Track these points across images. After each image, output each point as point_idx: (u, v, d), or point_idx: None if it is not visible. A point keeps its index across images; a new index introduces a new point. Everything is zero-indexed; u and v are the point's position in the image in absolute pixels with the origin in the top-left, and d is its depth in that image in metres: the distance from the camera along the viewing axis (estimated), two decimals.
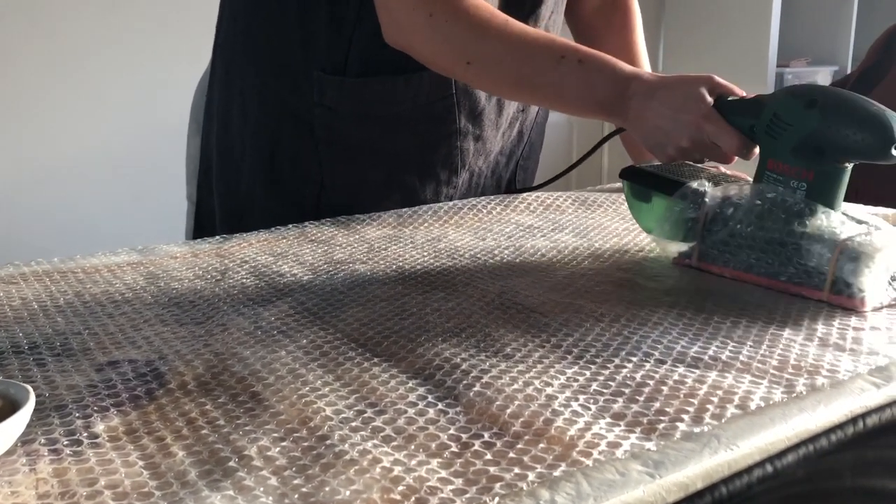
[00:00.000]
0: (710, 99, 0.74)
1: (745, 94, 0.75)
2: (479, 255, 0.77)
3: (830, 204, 0.65)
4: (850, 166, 0.65)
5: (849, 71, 2.99)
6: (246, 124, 0.98)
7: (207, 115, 1.04)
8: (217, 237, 0.86)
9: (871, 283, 0.59)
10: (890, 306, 0.61)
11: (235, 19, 0.99)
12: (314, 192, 0.96)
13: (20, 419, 0.40)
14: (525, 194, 1.03)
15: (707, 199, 0.69)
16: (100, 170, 2.34)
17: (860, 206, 0.93)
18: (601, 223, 0.90)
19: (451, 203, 0.99)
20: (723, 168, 0.84)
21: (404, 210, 0.95)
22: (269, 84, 0.95)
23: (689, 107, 0.74)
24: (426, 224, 0.90)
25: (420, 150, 0.97)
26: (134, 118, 2.35)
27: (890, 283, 0.61)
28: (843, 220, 0.63)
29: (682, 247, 0.71)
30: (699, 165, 0.80)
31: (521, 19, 0.85)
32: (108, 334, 0.58)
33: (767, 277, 0.65)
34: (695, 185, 0.70)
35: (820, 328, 0.57)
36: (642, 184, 0.78)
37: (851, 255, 0.60)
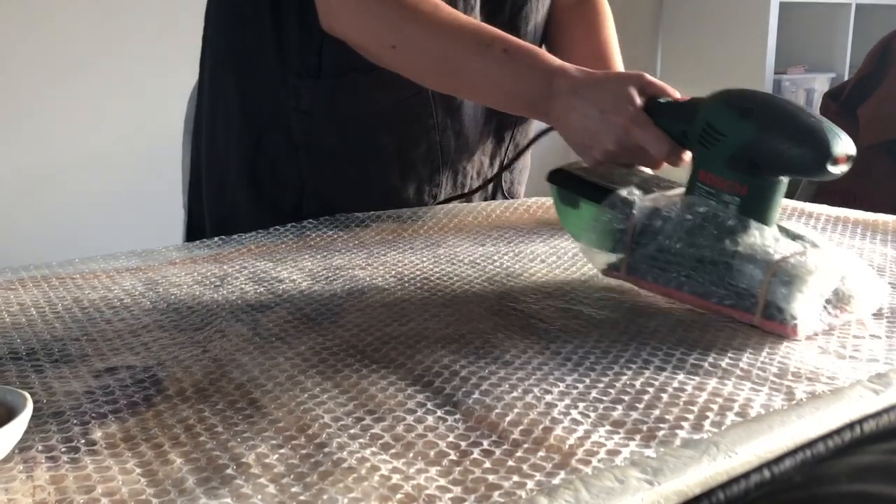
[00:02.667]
0: (639, 100, 0.70)
1: (678, 95, 0.71)
2: (478, 261, 0.77)
3: (765, 220, 0.60)
4: (786, 180, 0.61)
5: (846, 78, 2.99)
6: (229, 132, 0.99)
7: (196, 124, 1.05)
8: (216, 239, 0.86)
9: (804, 309, 0.55)
10: (825, 333, 0.56)
11: (217, 29, 1.00)
12: (294, 198, 0.97)
13: (17, 426, 0.40)
14: (525, 198, 1.03)
15: (635, 211, 0.64)
16: (98, 176, 2.34)
17: (860, 212, 0.93)
18: None
19: (449, 206, 0.99)
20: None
21: (403, 211, 0.95)
22: (248, 91, 0.96)
23: (617, 107, 0.70)
24: (425, 229, 0.90)
25: (399, 149, 0.97)
26: (132, 124, 2.35)
27: (825, 307, 0.56)
28: (777, 237, 0.59)
29: (611, 258, 0.65)
30: (634, 169, 0.75)
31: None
32: (107, 340, 0.58)
33: (698, 297, 0.60)
34: (624, 193, 0.65)
35: (820, 336, 0.57)
36: (571, 189, 0.72)
37: (784, 277, 0.55)
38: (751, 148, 0.60)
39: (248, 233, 0.88)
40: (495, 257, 0.78)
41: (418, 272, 0.73)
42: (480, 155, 1.04)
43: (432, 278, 0.72)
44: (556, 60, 0.77)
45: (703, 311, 0.61)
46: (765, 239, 0.58)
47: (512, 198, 1.10)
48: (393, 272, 0.74)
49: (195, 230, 1.05)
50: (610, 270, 0.66)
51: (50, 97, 2.25)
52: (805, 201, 1.03)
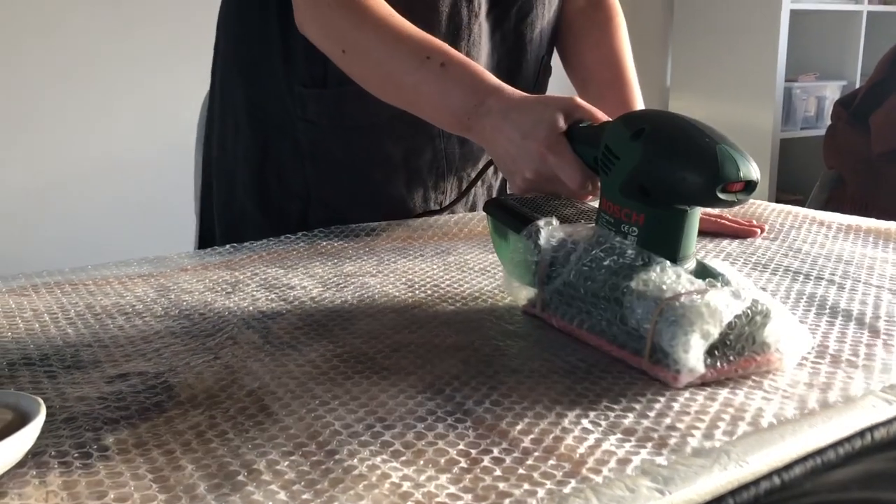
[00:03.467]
0: (562, 125, 0.66)
1: (605, 118, 0.67)
2: (488, 268, 0.77)
3: (669, 253, 0.54)
4: (691, 210, 0.54)
5: (857, 85, 2.98)
6: (237, 140, 0.99)
7: (207, 132, 1.05)
8: (227, 246, 0.86)
9: (689, 355, 0.48)
10: (711, 382, 0.50)
11: (226, 38, 1.01)
12: (300, 206, 0.97)
13: (31, 431, 0.41)
14: None
15: (542, 241, 0.59)
16: (112, 182, 2.35)
17: (872, 221, 0.93)
18: None
19: (459, 215, 0.99)
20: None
21: (414, 221, 0.95)
22: (256, 100, 0.97)
23: (536, 133, 0.66)
24: (436, 237, 0.90)
25: (405, 158, 0.97)
26: (147, 131, 2.37)
27: (726, 354, 0.49)
28: (679, 274, 0.52)
29: (530, 292, 0.61)
30: (574, 200, 0.69)
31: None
32: (119, 347, 0.58)
33: (597, 336, 0.55)
34: (542, 223, 0.60)
35: (832, 345, 0.57)
36: (500, 219, 0.66)
37: (671, 317, 0.49)
38: (639, 171, 0.55)
39: (259, 240, 0.88)
40: None
41: (429, 279, 0.74)
42: (485, 161, 1.04)
43: (443, 286, 0.72)
44: (493, 80, 0.74)
45: None
46: (663, 275, 0.52)
47: None
48: (403, 279, 0.74)
49: (207, 237, 1.06)
50: (528, 306, 0.62)
51: (64, 104, 2.26)
52: (816, 209, 1.02)
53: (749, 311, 0.49)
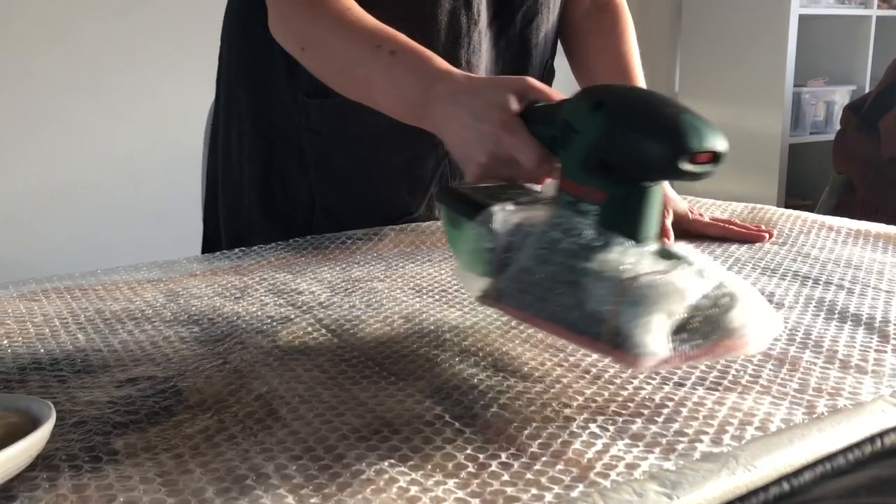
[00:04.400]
0: (515, 106, 0.63)
1: (561, 97, 0.63)
2: None
3: (631, 233, 0.51)
4: (653, 186, 0.52)
5: (867, 90, 2.98)
6: (242, 149, 1.00)
7: (213, 140, 1.06)
8: (236, 251, 0.86)
9: (650, 337, 0.44)
10: (671, 362, 0.45)
11: (230, 47, 1.01)
12: (305, 215, 0.97)
13: (41, 435, 0.41)
14: None
15: (496, 226, 0.55)
16: (120, 188, 2.36)
17: (881, 226, 0.92)
18: None
19: None
20: None
21: (422, 224, 0.95)
22: (260, 109, 0.97)
23: (489, 115, 0.63)
24: (443, 241, 0.90)
25: (408, 166, 0.97)
26: (156, 135, 2.38)
27: (679, 334, 0.45)
28: (641, 254, 0.49)
29: (484, 283, 0.57)
30: (530, 187, 0.66)
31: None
32: (128, 351, 0.58)
33: (554, 324, 0.50)
34: (496, 208, 0.57)
35: (841, 350, 0.56)
36: (454, 208, 0.64)
37: (631, 298, 0.45)
38: (599, 145, 0.51)
39: (268, 244, 0.88)
40: None
41: (436, 284, 0.74)
42: None
43: (450, 290, 0.72)
44: (442, 65, 0.71)
45: None
46: (624, 256, 0.49)
47: None
48: (411, 284, 0.74)
49: (212, 244, 1.06)
50: (483, 298, 0.57)
51: (74, 110, 2.28)
52: (826, 214, 1.02)
53: (715, 293, 0.46)
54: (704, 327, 0.46)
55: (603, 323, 0.46)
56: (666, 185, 0.96)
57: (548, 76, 1.05)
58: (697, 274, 0.47)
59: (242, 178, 1.00)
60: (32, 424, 0.42)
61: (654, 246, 0.52)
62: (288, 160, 0.97)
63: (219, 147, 1.04)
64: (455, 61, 0.92)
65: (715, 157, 0.49)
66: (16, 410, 0.43)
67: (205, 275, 0.78)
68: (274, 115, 0.96)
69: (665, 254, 0.51)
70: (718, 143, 0.48)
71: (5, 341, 0.60)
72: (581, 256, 0.49)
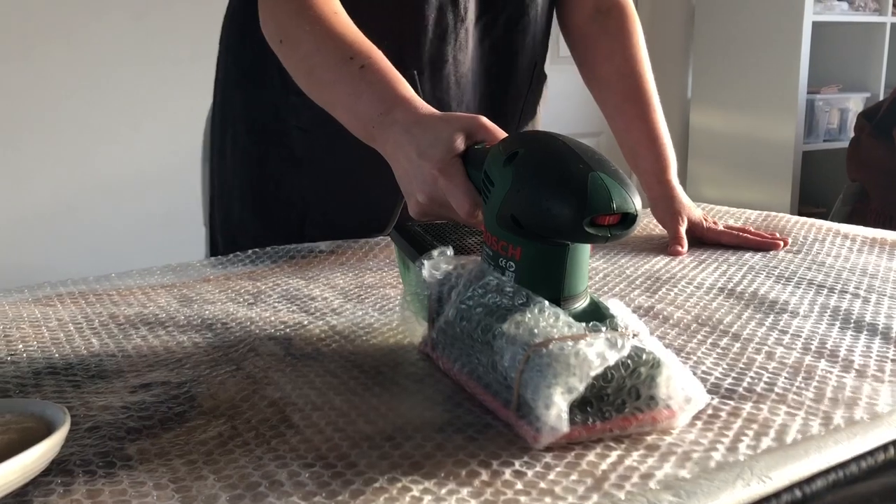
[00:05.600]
0: (460, 145, 0.60)
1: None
2: None
3: (548, 292, 0.48)
4: (574, 246, 0.48)
5: (881, 97, 2.96)
6: (235, 151, 1.00)
7: (211, 142, 1.06)
8: (249, 253, 0.87)
9: (550, 412, 0.41)
10: (575, 436, 0.43)
11: (227, 48, 1.02)
12: (297, 216, 0.97)
13: (56, 440, 0.41)
14: None
15: (425, 274, 0.54)
16: (135, 191, 2.38)
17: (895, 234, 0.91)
18: (631, 249, 0.90)
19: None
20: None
21: None
22: (253, 110, 0.98)
23: (432, 153, 0.61)
24: None
25: None
26: (170, 141, 2.40)
27: (587, 406, 0.43)
28: (557, 316, 0.46)
29: (423, 329, 0.56)
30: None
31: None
32: (142, 356, 0.59)
33: (475, 382, 0.49)
34: (436, 253, 0.55)
35: (857, 359, 0.56)
36: (402, 247, 0.62)
37: (535, 367, 0.42)
38: (508, 199, 0.49)
39: (282, 246, 0.88)
40: None
41: None
42: None
43: None
44: (406, 91, 0.70)
45: (743, 337, 0.61)
46: (539, 316, 0.45)
47: None
48: None
49: (216, 245, 1.06)
50: (422, 345, 0.56)
51: (89, 116, 2.30)
52: (840, 222, 1.02)
53: (630, 363, 0.43)
54: (619, 398, 0.44)
55: (511, 390, 0.44)
56: (681, 192, 0.96)
57: (537, 80, 1.04)
58: (609, 341, 0.43)
59: (236, 180, 1.00)
60: (47, 429, 0.42)
61: (581, 304, 0.49)
62: (280, 162, 0.97)
63: (215, 150, 1.04)
64: (442, 57, 0.93)
65: (625, 220, 0.46)
66: (31, 415, 0.43)
67: (218, 280, 0.79)
68: (266, 116, 0.97)
69: (592, 314, 0.48)
70: (628, 204, 0.46)
71: (21, 346, 0.61)
72: (497, 315, 0.47)
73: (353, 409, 0.49)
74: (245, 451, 0.44)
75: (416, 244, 0.60)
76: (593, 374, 0.42)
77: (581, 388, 0.41)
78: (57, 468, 0.42)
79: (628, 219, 0.46)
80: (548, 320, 0.45)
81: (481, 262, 0.52)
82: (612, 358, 0.42)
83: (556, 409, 0.41)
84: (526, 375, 0.43)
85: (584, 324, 0.45)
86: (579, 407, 0.43)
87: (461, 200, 0.58)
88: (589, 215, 0.45)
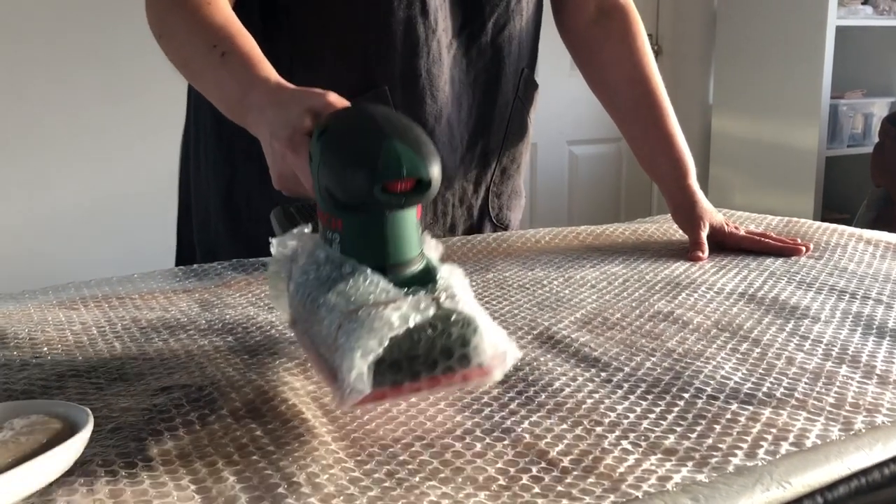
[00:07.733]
0: (308, 124, 0.60)
1: None
2: (527, 285, 0.77)
3: (374, 261, 0.48)
4: (393, 213, 0.48)
5: None
6: (207, 163, 0.99)
7: (184, 155, 1.05)
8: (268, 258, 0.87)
9: (352, 374, 0.42)
10: (386, 398, 0.44)
11: None
12: (268, 231, 0.96)
13: (79, 441, 0.42)
14: (575, 226, 1.03)
15: (274, 251, 0.55)
16: (154, 195, 2.41)
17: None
18: (651, 254, 0.89)
19: (498, 233, 1.00)
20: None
21: (453, 239, 0.96)
22: (223, 122, 0.96)
23: (282, 132, 0.61)
24: (474, 252, 0.90)
25: None
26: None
27: (400, 368, 0.44)
28: (376, 284, 0.46)
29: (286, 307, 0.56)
30: None
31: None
32: (163, 360, 0.59)
33: (313, 354, 0.49)
34: (296, 231, 0.56)
35: (879, 365, 0.56)
36: (274, 227, 0.63)
37: (345, 332, 0.44)
38: (320, 172, 0.50)
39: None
40: (545, 282, 0.78)
41: None
42: (462, 181, 1.00)
43: (481, 302, 0.72)
44: (263, 72, 0.70)
45: (763, 342, 0.60)
46: (359, 285, 0.46)
47: (501, 224, 1.06)
48: None
49: (184, 259, 1.05)
50: (289, 323, 0.57)
51: (111, 126, 2.33)
52: (863, 228, 1.01)
53: (440, 324, 0.44)
54: (430, 358, 0.44)
55: (333, 356, 0.45)
56: (701, 197, 0.95)
57: (525, 85, 1.02)
58: (414, 304, 0.44)
59: (209, 194, 0.99)
60: (70, 430, 0.42)
61: (414, 269, 0.49)
62: (250, 176, 0.95)
63: (189, 162, 1.03)
64: (414, 71, 0.90)
65: (419, 186, 0.46)
66: (55, 416, 0.44)
67: (239, 284, 0.79)
68: (236, 127, 0.95)
69: (415, 280, 0.48)
70: (421, 170, 0.46)
71: (45, 349, 0.62)
72: (323, 287, 0.48)
73: (371, 417, 0.49)
74: (264, 454, 0.44)
75: (286, 223, 0.61)
76: (391, 335, 0.43)
77: (379, 349, 0.42)
78: (80, 468, 0.42)
79: (422, 185, 0.46)
80: (368, 288, 0.46)
81: (317, 237, 0.53)
82: (414, 320, 0.43)
83: (357, 370, 0.42)
84: (339, 342, 0.44)
85: (403, 290, 0.46)
86: (391, 368, 0.43)
87: (305, 175, 0.59)
88: (379, 182, 0.45)
